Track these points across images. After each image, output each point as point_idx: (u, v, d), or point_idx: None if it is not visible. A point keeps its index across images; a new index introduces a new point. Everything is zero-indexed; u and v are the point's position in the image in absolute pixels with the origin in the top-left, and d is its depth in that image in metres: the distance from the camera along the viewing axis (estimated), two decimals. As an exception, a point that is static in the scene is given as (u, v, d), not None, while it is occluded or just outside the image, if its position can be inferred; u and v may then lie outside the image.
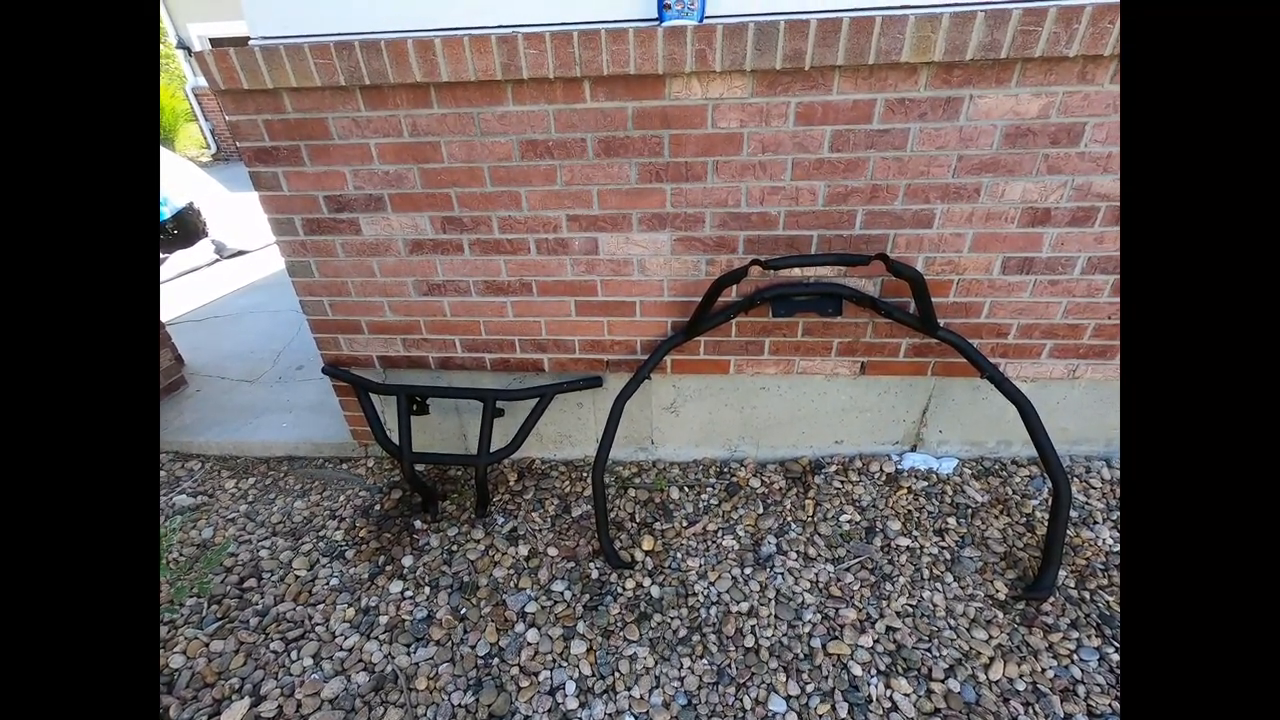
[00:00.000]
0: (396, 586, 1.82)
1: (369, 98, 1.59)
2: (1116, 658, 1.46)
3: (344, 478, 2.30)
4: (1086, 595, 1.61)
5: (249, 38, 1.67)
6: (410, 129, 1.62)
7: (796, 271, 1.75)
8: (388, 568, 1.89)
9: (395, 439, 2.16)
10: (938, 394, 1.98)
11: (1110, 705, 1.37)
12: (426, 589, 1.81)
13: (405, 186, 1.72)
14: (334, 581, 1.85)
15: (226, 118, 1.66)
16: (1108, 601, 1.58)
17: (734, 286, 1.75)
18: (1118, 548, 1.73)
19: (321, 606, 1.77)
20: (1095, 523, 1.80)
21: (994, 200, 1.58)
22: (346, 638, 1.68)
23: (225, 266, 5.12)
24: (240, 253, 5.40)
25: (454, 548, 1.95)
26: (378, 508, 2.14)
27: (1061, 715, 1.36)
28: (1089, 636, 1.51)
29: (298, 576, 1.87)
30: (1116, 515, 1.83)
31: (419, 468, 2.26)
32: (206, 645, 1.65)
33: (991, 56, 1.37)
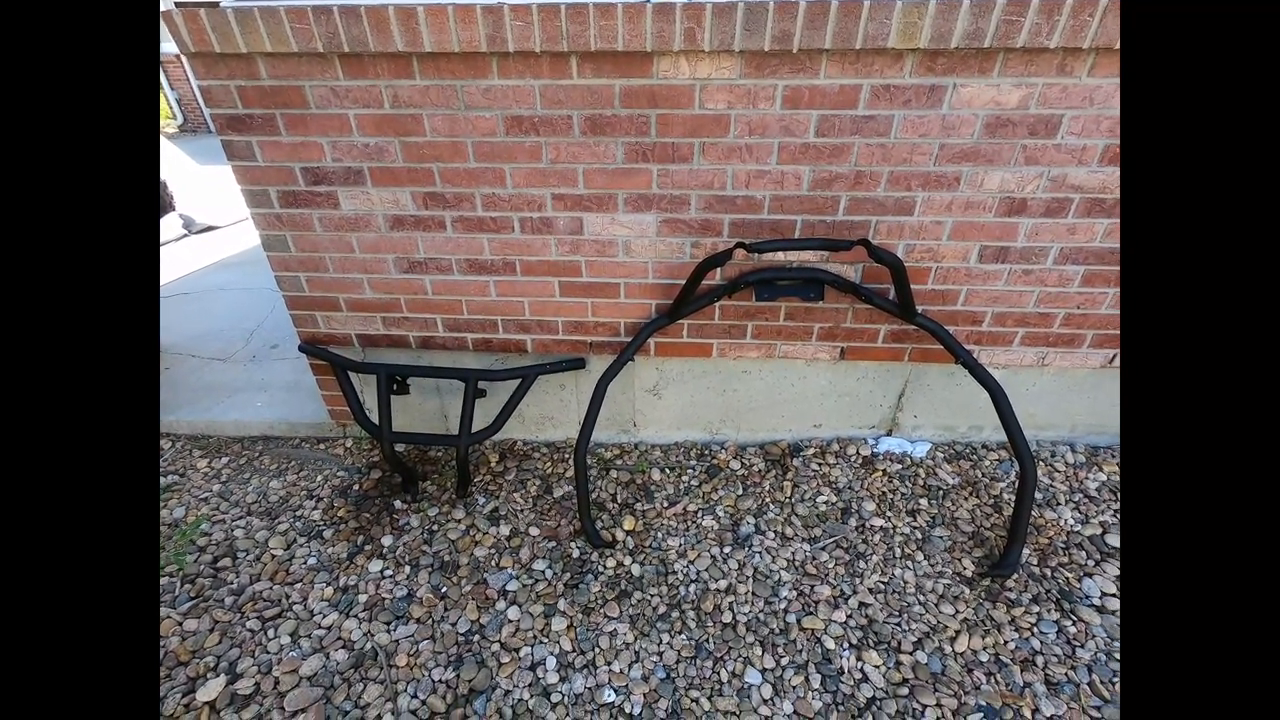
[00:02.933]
0: (376, 566, 1.81)
1: (348, 66, 1.54)
2: (1074, 630, 1.54)
3: (321, 458, 2.27)
4: (1048, 572, 1.68)
5: (220, -1, 1.60)
6: (391, 100, 1.58)
7: (780, 256, 1.76)
8: (367, 547, 1.88)
9: (374, 419, 2.14)
10: (914, 379, 2.03)
11: (1066, 674, 1.44)
12: (407, 568, 1.81)
13: (386, 160, 1.68)
14: (312, 561, 1.84)
15: (197, 82, 1.60)
16: (1067, 578, 1.66)
17: (718, 270, 1.76)
18: (1078, 527, 1.80)
19: (299, 585, 1.75)
20: (1058, 504, 1.88)
21: (973, 189, 1.61)
22: (325, 616, 1.67)
23: (194, 242, 4.95)
24: (210, 228, 5.22)
25: (435, 527, 1.95)
26: (356, 488, 2.12)
27: (1021, 684, 1.43)
28: (1048, 610, 1.58)
29: (274, 556, 1.85)
30: (1078, 497, 1.91)
31: (399, 448, 2.24)
32: (180, 624, 1.62)
33: (975, 45, 1.38)
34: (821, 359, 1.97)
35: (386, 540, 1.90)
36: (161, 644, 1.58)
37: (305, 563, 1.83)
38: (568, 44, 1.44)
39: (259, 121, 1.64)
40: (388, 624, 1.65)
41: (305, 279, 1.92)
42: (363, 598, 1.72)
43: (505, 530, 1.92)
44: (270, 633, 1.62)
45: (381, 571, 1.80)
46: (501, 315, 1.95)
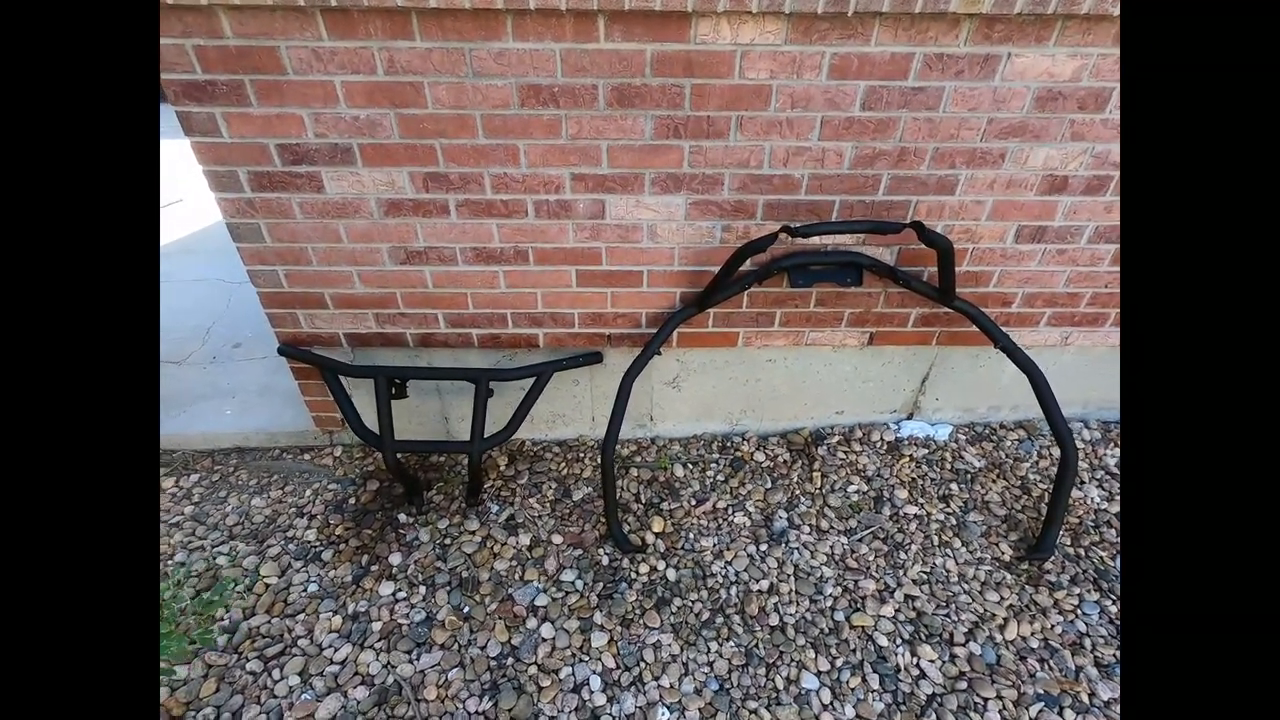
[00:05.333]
0: (387, 588, 1.65)
1: (333, 23, 1.31)
2: (1115, 610, 1.55)
3: (308, 470, 2.06)
4: (1082, 552, 1.70)
5: (166, -62, 1.33)
6: (386, 65, 1.37)
7: (814, 240, 1.66)
8: (373, 568, 1.71)
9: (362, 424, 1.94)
10: (939, 363, 1.99)
11: (1114, 655, 1.46)
12: (422, 588, 1.66)
13: (380, 136, 1.46)
14: (312, 587, 1.66)
15: (144, 41, 1.33)
16: (1101, 557, 1.68)
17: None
18: (1105, 505, 1.83)
19: (302, 617, 1.58)
20: (1083, 482, 1.90)
21: (1017, 166, 1.55)
22: (336, 649, 1.51)
23: (123, 227, 4.42)
24: (140, 211, 4.68)
25: (447, 541, 1.79)
26: (353, 501, 1.93)
27: (1073, 668, 1.44)
28: (1089, 591, 1.60)
29: (268, 584, 1.66)
30: (1100, 474, 1.94)
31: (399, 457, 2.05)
32: (168, 673, 1.43)
33: (1038, 11, 1.30)
34: (849, 345, 1.91)
35: (395, 558, 1.74)
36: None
37: (305, 590, 1.65)
38: (597, 1, 1.27)
39: (223, 89, 1.39)
40: (409, 653, 1.50)
41: (284, 273, 1.69)
42: (377, 625, 1.56)
43: (525, 540, 1.79)
44: (275, 674, 1.45)
45: (394, 594, 1.64)
46: (511, 308, 1.78)
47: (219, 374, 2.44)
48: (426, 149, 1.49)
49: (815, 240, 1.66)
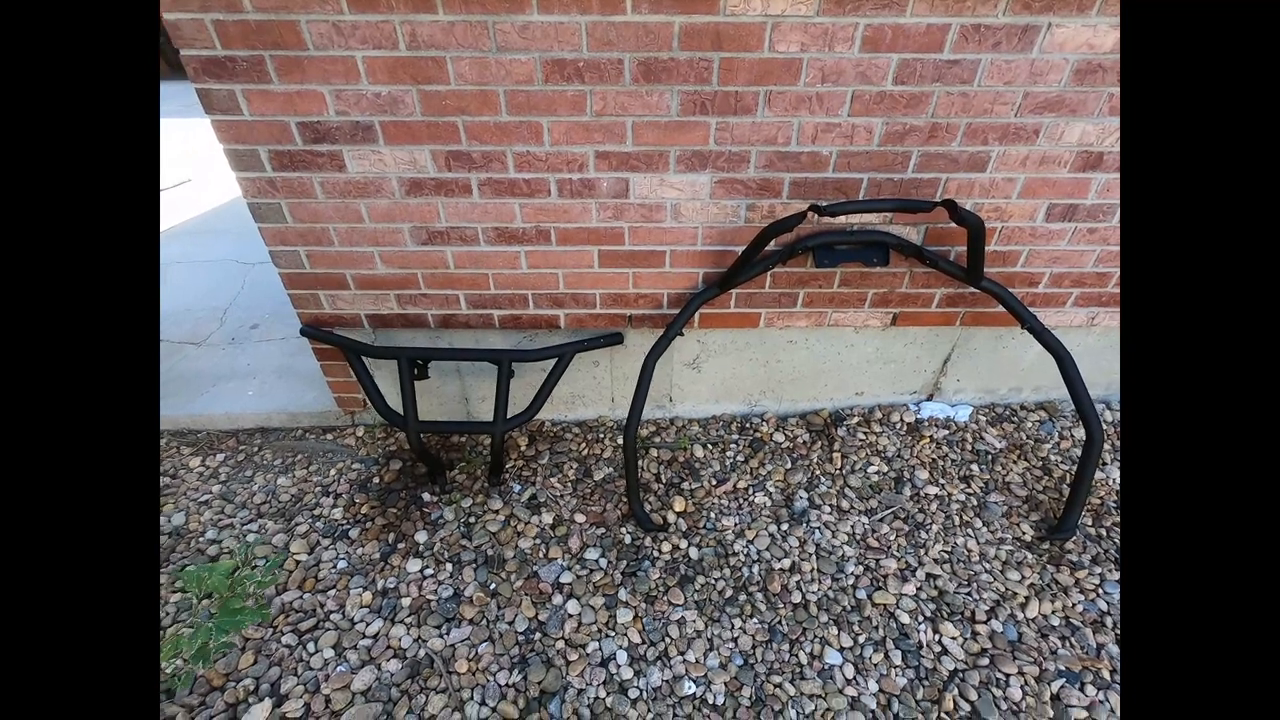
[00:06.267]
0: (414, 565, 1.68)
1: (355, -3, 1.28)
2: (1135, 589, 1.56)
3: (331, 449, 2.08)
4: (1103, 532, 1.70)
5: (182, -93, 1.30)
6: (408, 40, 1.34)
7: (840, 219, 1.64)
8: (400, 545, 1.74)
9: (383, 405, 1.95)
10: (961, 343, 1.98)
11: (1135, 633, 1.47)
12: (448, 565, 1.68)
13: (401, 113, 1.44)
14: (341, 564, 1.69)
15: (163, 15, 1.31)
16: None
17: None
18: (1126, 486, 1.83)
19: (333, 592, 1.61)
20: (1105, 463, 1.90)
21: (1051, 142, 1.51)
22: (368, 624, 1.54)
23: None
24: (149, 192, 4.66)
25: (471, 520, 1.82)
26: (376, 481, 1.95)
27: (1095, 645, 1.45)
28: (1110, 571, 1.61)
29: (299, 561, 1.69)
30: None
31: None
32: (205, 645, 1.47)
33: (1082, -22, 1.25)
34: (872, 326, 1.89)
35: (420, 537, 1.76)
36: (189, 668, 1.42)
37: (335, 567, 1.68)
38: (625, -29, 1.23)
39: (244, 66, 1.37)
40: (438, 628, 1.54)
41: (305, 254, 1.68)
42: (406, 601, 1.59)
43: (548, 518, 1.81)
44: (310, 647, 1.49)
45: (421, 571, 1.67)
46: (533, 289, 1.77)
47: (238, 355, 2.45)
48: (449, 126, 1.46)
49: (841, 219, 1.64)
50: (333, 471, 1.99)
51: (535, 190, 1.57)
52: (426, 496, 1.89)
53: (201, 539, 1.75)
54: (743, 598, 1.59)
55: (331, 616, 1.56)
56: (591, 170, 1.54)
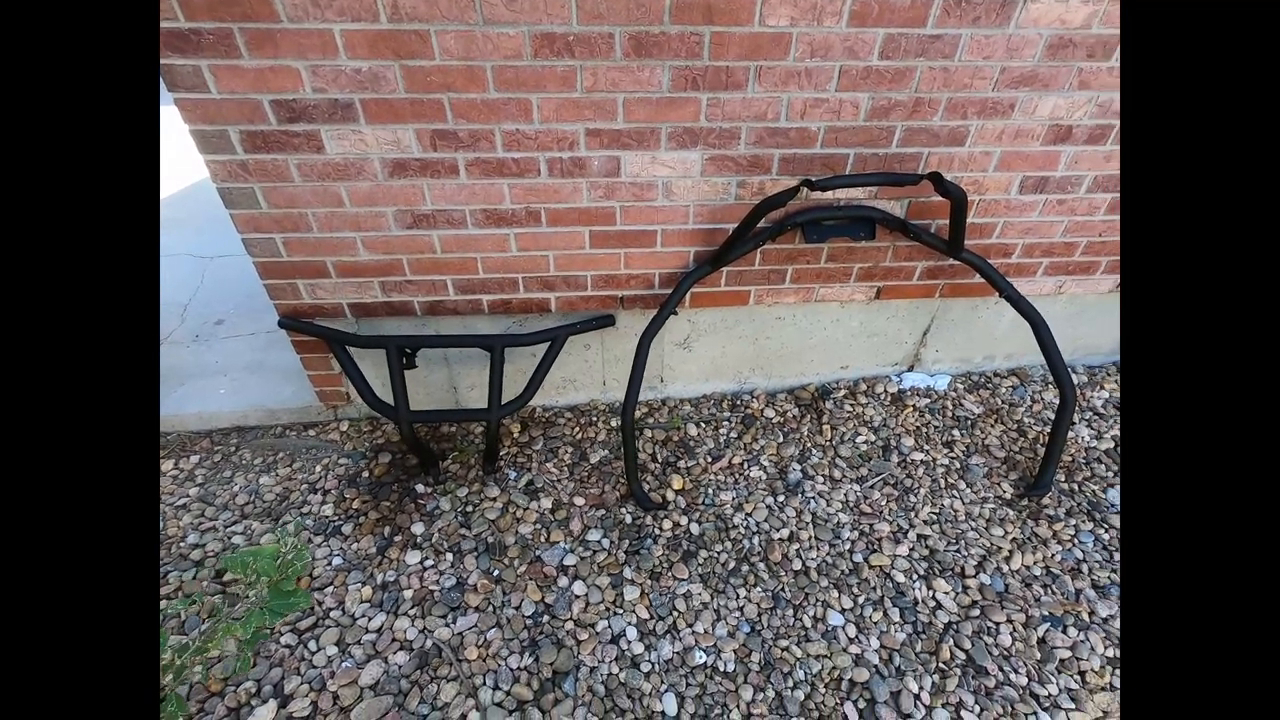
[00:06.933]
0: (414, 557, 1.65)
1: (332, -35, 1.22)
2: (1107, 537, 1.68)
3: (315, 445, 2.01)
4: (1075, 487, 1.81)
5: None
6: (390, 12, 1.28)
7: (828, 195, 1.67)
8: (397, 538, 1.71)
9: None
10: (940, 315, 2.05)
11: (1108, 577, 1.58)
12: (449, 555, 1.66)
13: (384, 90, 1.38)
14: (337, 561, 1.65)
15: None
16: (1094, 490, 1.80)
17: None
18: (1094, 443, 1.95)
19: (331, 590, 1.57)
20: (1074, 423, 2.01)
21: (1025, 116, 1.57)
22: (370, 618, 1.51)
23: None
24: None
25: (468, 508, 1.79)
26: (366, 475, 1.90)
27: (1073, 591, 1.55)
28: (1083, 522, 1.72)
29: (291, 560, 1.64)
30: (1089, 415, 2.05)
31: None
32: (202, 652, 1.41)
33: (1057, -46, 1.30)
34: (857, 300, 1.94)
35: (417, 528, 1.73)
36: (185, 676, 1.37)
37: (330, 564, 1.64)
38: (617, -59, 1.21)
39: (210, 40, 1.28)
40: (444, 617, 1.52)
41: (282, 241, 1.61)
42: (408, 593, 1.57)
43: (547, 503, 1.81)
44: (312, 645, 1.45)
45: (421, 562, 1.64)
46: (523, 272, 1.74)
47: (205, 352, 2.33)
48: (434, 104, 1.41)
49: (828, 195, 1.67)
50: (318, 468, 1.93)
51: (525, 170, 1.54)
52: (420, 488, 1.85)
53: (183, 544, 1.67)
54: (745, 568, 1.63)
55: (331, 614, 1.52)
56: (582, 149, 1.52)
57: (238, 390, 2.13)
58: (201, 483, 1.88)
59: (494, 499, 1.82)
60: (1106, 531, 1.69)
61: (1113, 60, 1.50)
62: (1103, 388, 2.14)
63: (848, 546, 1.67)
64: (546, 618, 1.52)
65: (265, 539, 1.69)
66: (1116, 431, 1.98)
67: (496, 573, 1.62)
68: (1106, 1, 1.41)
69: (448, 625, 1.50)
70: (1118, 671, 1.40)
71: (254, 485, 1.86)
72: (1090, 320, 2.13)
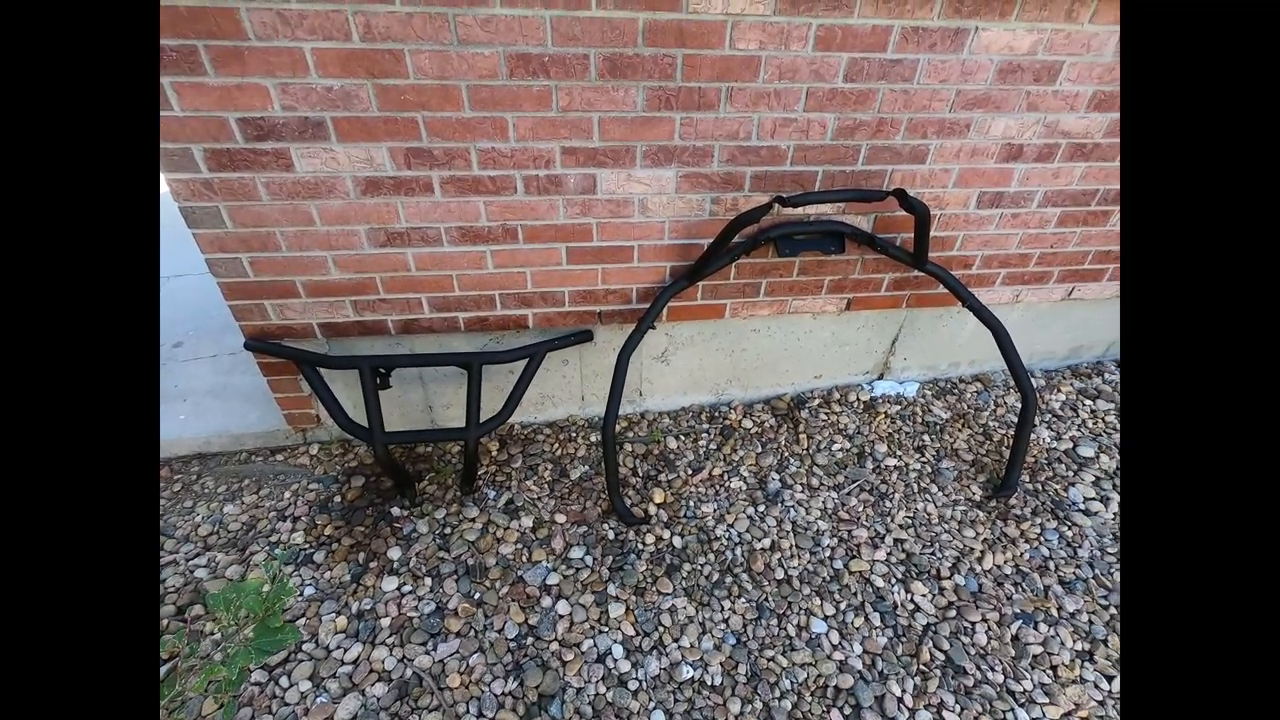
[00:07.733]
0: (390, 583, 1.60)
1: (303, -16, 1.21)
2: (1070, 534, 1.75)
3: (282, 471, 1.94)
4: (1039, 486, 1.89)
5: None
6: (363, 31, 1.28)
7: (800, 210, 1.72)
8: (372, 564, 1.65)
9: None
10: (908, 324, 2.13)
11: (1074, 573, 1.65)
12: (428, 580, 1.62)
13: (356, 109, 1.37)
14: (309, 590, 1.58)
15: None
16: (1055, 490, 1.88)
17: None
18: (1054, 444, 2.04)
19: (303, 621, 1.51)
20: (1034, 425, 2.10)
21: (980, 136, 1.66)
22: (346, 649, 1.46)
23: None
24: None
25: (447, 530, 1.76)
26: (338, 500, 1.84)
27: (1042, 588, 1.61)
28: (1048, 520, 1.79)
29: (260, 593, 1.57)
30: (1048, 417, 2.15)
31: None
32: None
33: (1004, -13, 1.38)
34: (829, 311, 2.00)
35: (394, 553, 1.68)
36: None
37: (301, 594, 1.58)
38: (591, -34, 1.24)
39: (174, 56, 1.25)
40: (424, 644, 1.48)
41: (249, 261, 1.56)
42: (385, 621, 1.52)
43: (528, 522, 1.78)
44: (283, 681, 1.39)
45: (399, 588, 1.60)
46: (500, 289, 1.73)
47: (163, 376, 2.23)
48: (408, 122, 1.41)
49: (800, 211, 1.72)
50: (287, 494, 1.86)
51: (501, 188, 1.54)
52: (396, 511, 1.81)
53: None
54: (729, 580, 1.64)
55: (304, 646, 1.46)
56: (559, 167, 1.53)
57: (199, 415, 2.04)
58: (161, 513, 1.79)
59: (473, 520, 1.79)
60: (1070, 529, 1.76)
61: (1057, 84, 1.60)
62: (1059, 390, 2.25)
63: (828, 554, 1.70)
64: (531, 639, 1.50)
65: (253, 575, 1.61)
66: (1075, 432, 2.08)
67: (478, 595, 1.59)
68: (1050, 31, 1.50)
69: (428, 653, 1.46)
70: (1087, 665, 1.46)
71: (218, 515, 1.78)
72: (1045, 326, 2.25)
